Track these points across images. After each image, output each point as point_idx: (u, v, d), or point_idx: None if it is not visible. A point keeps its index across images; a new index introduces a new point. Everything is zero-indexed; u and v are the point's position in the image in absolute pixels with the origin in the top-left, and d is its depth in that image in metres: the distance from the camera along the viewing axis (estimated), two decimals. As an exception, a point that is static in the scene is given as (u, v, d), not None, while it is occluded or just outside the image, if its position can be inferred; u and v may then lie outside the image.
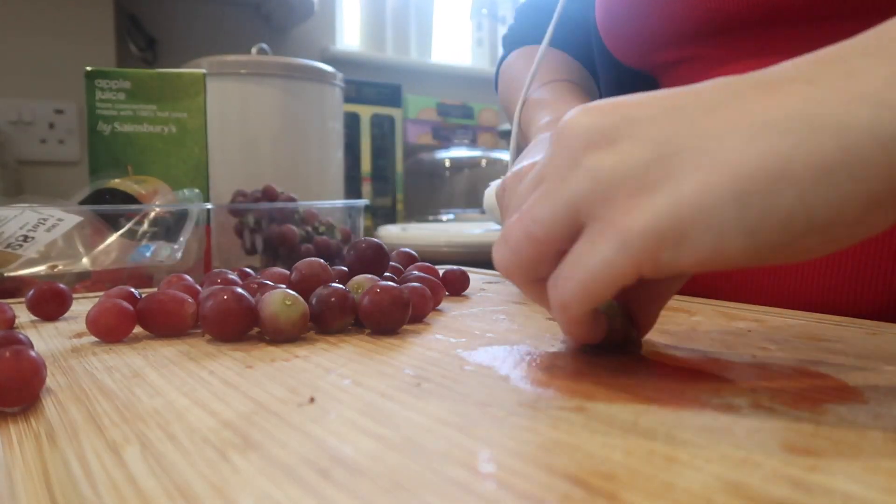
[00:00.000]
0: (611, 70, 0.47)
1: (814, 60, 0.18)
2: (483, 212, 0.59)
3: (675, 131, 0.19)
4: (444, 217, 1.43)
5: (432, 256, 0.94)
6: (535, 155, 0.37)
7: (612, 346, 0.25)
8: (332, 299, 0.29)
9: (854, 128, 0.16)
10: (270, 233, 0.68)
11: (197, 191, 0.63)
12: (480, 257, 0.94)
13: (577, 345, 0.26)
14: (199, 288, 0.34)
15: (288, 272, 0.36)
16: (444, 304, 0.37)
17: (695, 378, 0.21)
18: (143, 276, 0.52)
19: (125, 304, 0.29)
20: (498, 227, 0.56)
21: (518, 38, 0.61)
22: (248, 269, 0.40)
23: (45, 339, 0.30)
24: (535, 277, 0.22)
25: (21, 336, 0.23)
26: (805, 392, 0.19)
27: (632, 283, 0.19)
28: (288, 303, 0.27)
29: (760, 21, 0.35)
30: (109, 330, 0.28)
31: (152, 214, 0.54)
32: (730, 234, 0.17)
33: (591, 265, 0.19)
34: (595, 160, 0.20)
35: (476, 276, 0.52)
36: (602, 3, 0.44)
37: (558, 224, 0.20)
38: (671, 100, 0.20)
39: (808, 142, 0.17)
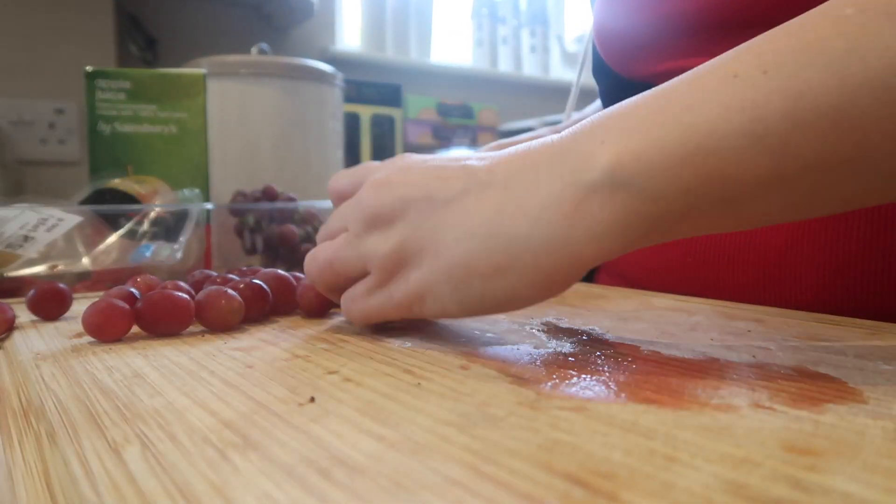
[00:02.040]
0: (607, 79, 0.47)
1: (517, 167, 0.24)
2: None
3: (423, 220, 0.26)
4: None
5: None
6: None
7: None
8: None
9: (517, 239, 0.23)
10: (270, 233, 0.68)
11: (197, 191, 0.63)
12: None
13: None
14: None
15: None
16: (444, 304, 0.37)
17: (695, 378, 0.21)
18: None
19: (121, 303, 0.29)
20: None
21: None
22: (231, 276, 0.40)
23: (45, 339, 0.30)
24: (332, 290, 0.31)
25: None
26: (805, 392, 0.19)
27: (402, 315, 0.27)
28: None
29: (748, 26, 0.35)
30: (103, 329, 0.28)
31: (152, 214, 0.54)
32: (448, 303, 0.25)
33: (371, 305, 0.28)
34: (376, 240, 0.27)
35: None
36: (597, 16, 0.45)
37: (351, 267, 0.29)
38: (429, 186, 0.26)
39: (488, 248, 0.24)
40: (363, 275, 0.29)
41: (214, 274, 0.39)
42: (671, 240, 0.24)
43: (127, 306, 0.29)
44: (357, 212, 0.28)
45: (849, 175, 0.20)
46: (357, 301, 0.29)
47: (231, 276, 0.37)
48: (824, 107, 0.19)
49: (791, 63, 0.20)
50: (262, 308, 0.33)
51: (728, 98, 0.20)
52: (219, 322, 0.30)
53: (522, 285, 0.24)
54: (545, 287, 0.24)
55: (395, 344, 0.27)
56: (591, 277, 0.54)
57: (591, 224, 0.22)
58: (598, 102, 0.57)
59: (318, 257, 0.30)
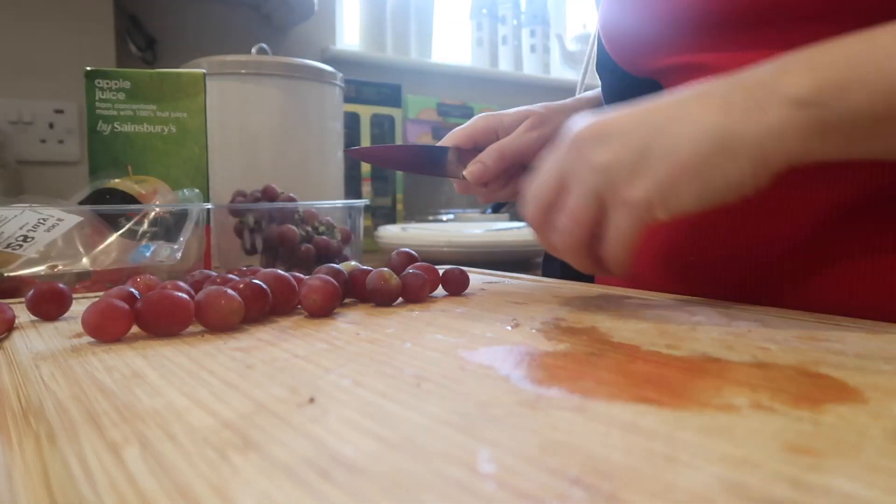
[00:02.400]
0: (612, 76, 0.47)
1: (730, 85, 0.29)
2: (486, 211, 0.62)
3: (650, 136, 0.30)
4: (444, 217, 1.42)
5: (432, 256, 0.94)
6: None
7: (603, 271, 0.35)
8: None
9: (745, 134, 0.28)
10: (270, 233, 0.68)
11: (197, 191, 0.63)
12: (480, 257, 0.94)
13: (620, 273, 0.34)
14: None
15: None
16: (444, 305, 0.37)
17: (695, 378, 0.21)
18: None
19: (121, 303, 0.29)
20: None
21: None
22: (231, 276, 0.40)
23: (44, 339, 0.30)
24: (589, 251, 0.33)
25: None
26: (805, 392, 0.19)
27: (640, 228, 0.30)
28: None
29: (754, 22, 0.35)
30: (102, 329, 0.28)
31: (152, 214, 0.54)
32: (688, 198, 0.29)
33: (618, 230, 0.31)
34: (597, 161, 0.30)
35: (476, 277, 0.52)
36: (603, 12, 0.45)
37: (591, 207, 0.31)
38: (642, 115, 0.30)
39: (725, 144, 0.28)
40: (601, 218, 0.31)
41: (214, 274, 0.39)
42: (863, 155, 0.28)
43: (126, 306, 0.29)
44: (573, 154, 0.32)
45: None
46: (613, 236, 0.31)
47: (231, 276, 0.37)
48: None
49: None
50: (262, 308, 0.33)
51: None
52: (219, 322, 0.30)
53: (749, 172, 0.28)
54: (754, 174, 0.28)
55: (394, 344, 0.27)
56: (591, 280, 0.54)
57: (797, 131, 0.27)
58: (590, 94, 0.58)
59: (561, 227, 0.33)
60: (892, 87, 0.26)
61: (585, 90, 0.60)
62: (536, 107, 0.56)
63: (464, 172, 0.51)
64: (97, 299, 0.29)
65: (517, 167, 0.53)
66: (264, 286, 0.33)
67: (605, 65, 0.47)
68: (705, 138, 0.28)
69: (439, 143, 0.54)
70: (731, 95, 0.29)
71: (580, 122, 0.32)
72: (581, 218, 0.31)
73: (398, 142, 1.54)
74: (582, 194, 0.31)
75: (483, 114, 0.55)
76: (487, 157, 0.51)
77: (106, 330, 0.28)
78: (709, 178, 0.28)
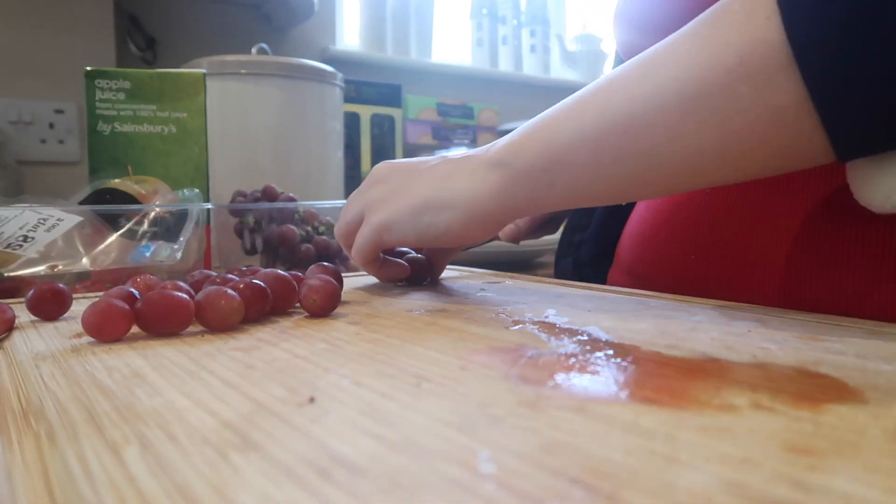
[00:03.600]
0: None
1: (453, 158, 0.40)
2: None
3: (403, 182, 0.40)
4: (444, 217, 1.42)
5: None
6: None
7: (416, 282, 0.48)
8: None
9: (454, 191, 0.37)
10: (270, 233, 0.68)
11: (197, 191, 0.63)
12: (480, 257, 0.94)
13: (385, 281, 0.48)
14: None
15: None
16: (443, 305, 0.37)
17: (695, 378, 0.21)
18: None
19: (120, 303, 0.29)
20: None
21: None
22: (230, 276, 0.40)
23: (45, 339, 0.30)
24: (349, 244, 0.44)
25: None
26: (805, 392, 0.19)
27: (378, 248, 0.42)
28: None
29: None
30: (102, 329, 0.28)
31: (152, 214, 0.54)
32: (406, 230, 0.39)
33: (361, 239, 0.42)
34: (372, 191, 0.42)
35: (476, 277, 0.52)
36: (618, 7, 0.45)
37: (354, 219, 0.43)
38: (411, 167, 0.41)
39: (438, 194, 0.38)
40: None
41: (214, 274, 0.39)
42: (551, 206, 0.35)
43: (126, 306, 0.29)
44: (368, 177, 0.44)
45: (653, 164, 0.29)
46: (357, 240, 0.42)
47: (231, 276, 0.37)
48: (620, 116, 0.30)
49: (603, 90, 0.32)
50: (262, 308, 0.33)
51: (584, 114, 0.32)
52: (219, 322, 0.30)
53: (454, 221, 0.37)
54: (468, 226, 0.37)
55: (394, 344, 0.27)
56: (602, 278, 0.54)
57: (491, 185, 0.35)
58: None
59: (341, 218, 0.45)
60: (551, 143, 0.32)
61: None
62: None
63: (499, 233, 0.60)
64: (97, 299, 0.29)
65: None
66: (264, 286, 0.33)
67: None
68: (426, 192, 0.38)
69: None
70: (455, 165, 0.38)
71: (380, 165, 0.44)
72: (350, 221, 0.43)
73: (398, 141, 1.54)
74: (354, 207, 0.43)
75: None
76: (521, 219, 0.58)
77: (105, 330, 0.28)
78: (420, 221, 0.38)
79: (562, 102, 0.34)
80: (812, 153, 0.26)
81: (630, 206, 0.54)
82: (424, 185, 0.38)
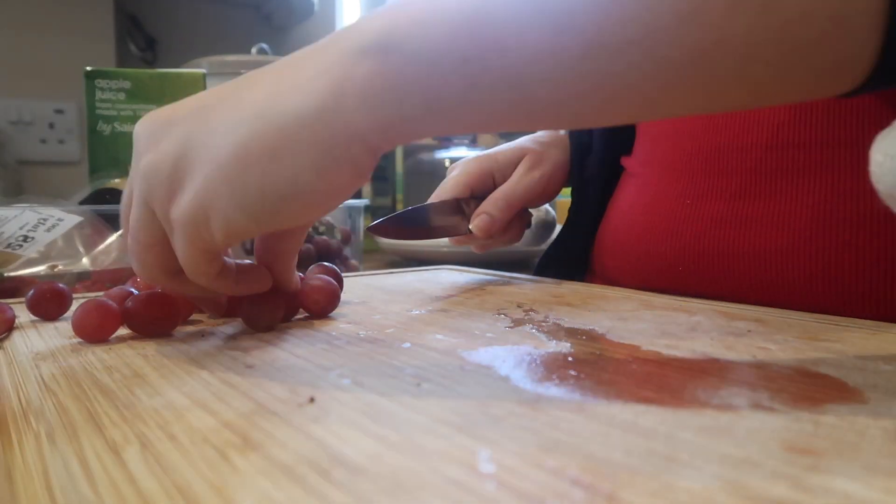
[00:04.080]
0: None
1: (291, 55, 0.23)
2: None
3: (193, 129, 0.23)
4: (444, 217, 1.42)
5: (432, 257, 0.94)
6: None
7: (262, 325, 0.31)
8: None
9: (287, 113, 0.21)
10: (270, 233, 0.68)
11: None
12: (479, 257, 0.94)
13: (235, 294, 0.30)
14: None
15: None
16: (443, 304, 0.37)
17: (695, 378, 0.21)
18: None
19: (110, 302, 0.29)
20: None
21: None
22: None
23: (45, 339, 0.30)
24: (173, 274, 0.26)
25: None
26: (805, 392, 0.19)
27: (213, 254, 0.25)
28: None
29: None
30: (92, 330, 0.28)
31: (152, 214, 0.54)
32: (230, 210, 0.22)
33: (181, 258, 0.25)
34: (144, 162, 0.24)
35: (476, 276, 0.52)
36: None
37: (147, 223, 0.25)
38: (202, 98, 0.24)
39: (260, 130, 0.21)
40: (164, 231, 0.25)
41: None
42: (460, 128, 0.22)
43: (115, 306, 0.29)
44: (132, 166, 0.25)
45: (640, 61, 0.19)
46: (186, 271, 0.26)
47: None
48: None
49: None
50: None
51: None
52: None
53: (302, 168, 0.21)
54: (327, 167, 0.21)
55: (394, 344, 0.27)
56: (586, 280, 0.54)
57: (362, 89, 0.20)
58: None
59: (129, 248, 0.27)
60: (475, 12, 0.19)
61: None
62: (527, 142, 0.53)
63: (470, 226, 0.47)
64: (86, 300, 0.29)
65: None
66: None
67: None
68: (240, 133, 0.21)
69: (431, 198, 0.49)
70: (289, 65, 0.22)
71: (141, 120, 0.26)
72: (141, 238, 0.25)
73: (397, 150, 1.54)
74: (135, 204, 0.25)
75: (472, 156, 0.52)
76: (493, 207, 0.47)
77: (92, 331, 0.28)
78: (246, 186, 0.21)
79: None
80: (848, 67, 0.19)
81: (598, 216, 0.52)
82: (231, 125, 0.22)
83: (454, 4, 0.20)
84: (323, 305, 0.34)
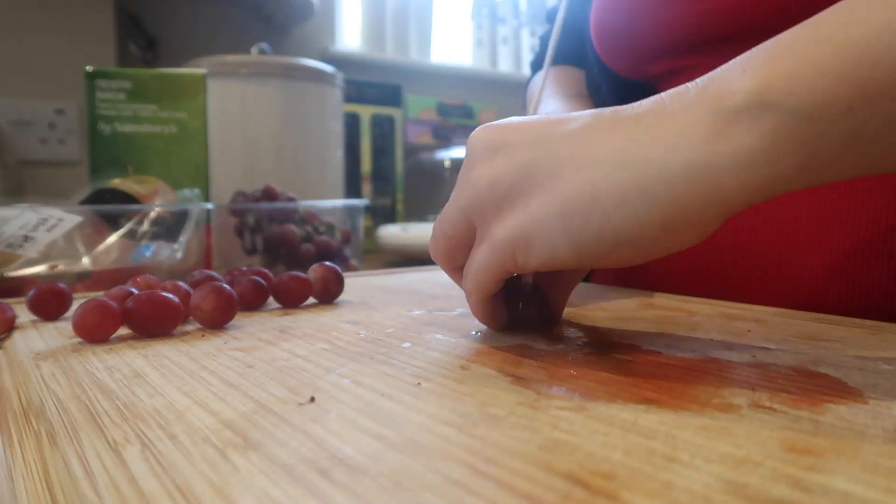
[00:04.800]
0: (609, 80, 0.47)
1: (650, 103, 0.22)
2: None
3: (539, 157, 0.23)
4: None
5: (432, 256, 0.94)
6: None
7: (526, 327, 0.30)
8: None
9: (648, 165, 0.21)
10: (270, 233, 0.68)
11: (197, 191, 0.63)
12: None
13: (490, 328, 0.30)
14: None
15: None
16: (444, 304, 0.37)
17: (695, 378, 0.21)
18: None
19: (110, 302, 0.29)
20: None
21: (540, 61, 0.62)
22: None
23: (45, 339, 0.30)
24: (454, 265, 0.29)
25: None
26: (805, 392, 0.19)
27: (504, 276, 0.25)
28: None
29: (751, 33, 0.35)
30: (91, 330, 0.28)
31: (152, 214, 0.54)
32: (558, 243, 0.22)
33: (476, 265, 0.25)
34: (477, 174, 0.25)
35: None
36: (596, 17, 0.45)
37: (458, 225, 0.26)
38: (546, 126, 0.24)
39: (615, 175, 0.21)
40: (474, 233, 0.26)
41: (215, 274, 0.39)
42: (830, 180, 0.20)
43: (115, 306, 0.29)
44: (465, 160, 0.26)
45: None
46: (469, 266, 0.26)
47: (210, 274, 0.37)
48: None
49: None
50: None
51: (888, 12, 0.18)
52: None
53: (651, 219, 0.20)
54: (677, 224, 0.20)
55: (394, 344, 0.27)
56: (587, 279, 0.54)
57: (735, 149, 0.19)
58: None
59: (434, 233, 0.28)
60: (859, 60, 0.18)
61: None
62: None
63: None
64: (86, 300, 0.29)
65: None
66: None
67: (603, 71, 0.47)
68: (592, 173, 0.21)
69: None
70: (645, 118, 0.22)
71: (481, 130, 0.26)
72: (447, 230, 0.27)
73: (398, 141, 1.54)
74: (454, 208, 0.26)
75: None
76: None
77: (94, 330, 0.28)
78: (586, 224, 0.21)
79: (828, 13, 0.20)
80: None
81: None
82: (582, 163, 0.22)
83: (836, 51, 0.19)
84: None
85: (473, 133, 0.26)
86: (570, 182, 0.22)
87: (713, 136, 0.20)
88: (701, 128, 0.20)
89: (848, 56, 0.18)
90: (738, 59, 0.21)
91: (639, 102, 0.23)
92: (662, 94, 0.22)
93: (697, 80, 0.22)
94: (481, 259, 0.25)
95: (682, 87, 0.22)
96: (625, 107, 0.23)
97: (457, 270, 0.29)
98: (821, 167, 0.19)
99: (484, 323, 0.29)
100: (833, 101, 0.18)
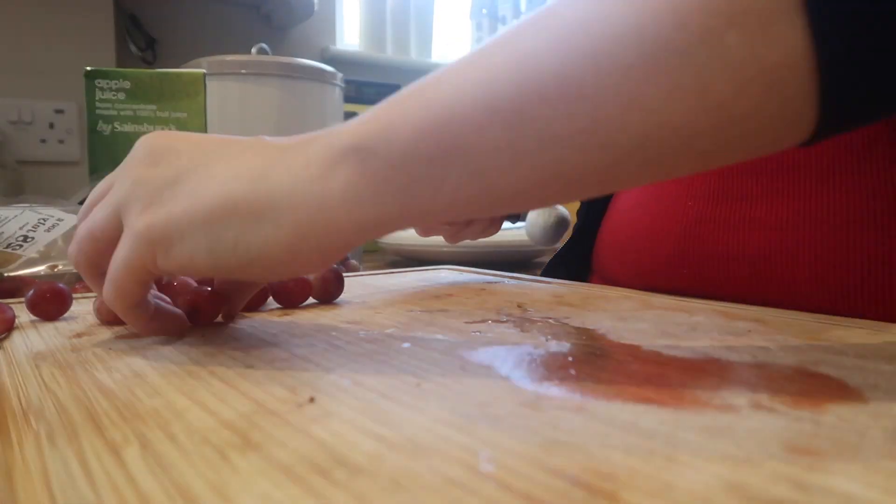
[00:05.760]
0: None
1: (303, 137, 0.25)
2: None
3: (194, 166, 0.25)
4: (444, 217, 1.42)
5: (432, 257, 0.94)
6: None
7: (198, 322, 0.31)
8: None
9: (279, 187, 0.23)
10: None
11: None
12: (479, 257, 0.94)
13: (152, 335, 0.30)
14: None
15: None
16: (443, 304, 0.37)
17: (695, 378, 0.21)
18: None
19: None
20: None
21: None
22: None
23: (45, 339, 0.30)
24: (98, 272, 0.27)
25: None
26: (805, 392, 0.19)
27: (147, 279, 0.25)
28: None
29: None
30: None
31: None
32: (198, 249, 0.24)
33: (117, 264, 0.25)
34: (136, 173, 0.26)
35: (476, 276, 0.52)
36: None
37: (109, 224, 0.26)
38: (211, 142, 0.26)
39: (253, 191, 0.23)
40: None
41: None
42: (431, 221, 0.24)
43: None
44: (126, 162, 0.27)
45: (591, 148, 0.20)
46: (111, 267, 0.26)
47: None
48: (549, 74, 0.19)
49: (524, 33, 0.21)
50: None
51: (467, 72, 0.21)
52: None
53: (276, 240, 0.23)
54: (300, 249, 0.23)
55: (394, 344, 0.27)
56: (586, 280, 0.54)
57: (344, 185, 0.22)
58: None
59: (77, 235, 0.28)
60: (441, 118, 0.21)
61: None
62: None
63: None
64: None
65: None
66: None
67: None
68: (231, 188, 0.23)
69: None
70: (280, 151, 0.24)
71: (151, 136, 0.27)
72: (96, 232, 0.26)
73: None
74: (105, 207, 0.26)
75: None
76: None
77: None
78: (221, 236, 0.23)
79: (434, 73, 0.23)
80: (792, 128, 0.20)
81: (601, 213, 0.53)
82: (228, 177, 0.24)
83: (419, 110, 0.21)
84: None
85: (143, 138, 0.27)
86: (214, 193, 0.24)
87: (327, 170, 0.23)
88: (320, 161, 0.23)
89: (429, 114, 0.21)
90: (366, 112, 0.24)
91: (304, 135, 0.25)
92: (302, 137, 0.25)
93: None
94: (122, 255, 0.25)
95: (325, 129, 0.25)
96: (290, 137, 0.25)
97: (101, 276, 0.27)
98: (419, 209, 0.22)
99: (143, 332, 0.29)
100: (416, 152, 0.21)
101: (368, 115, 0.23)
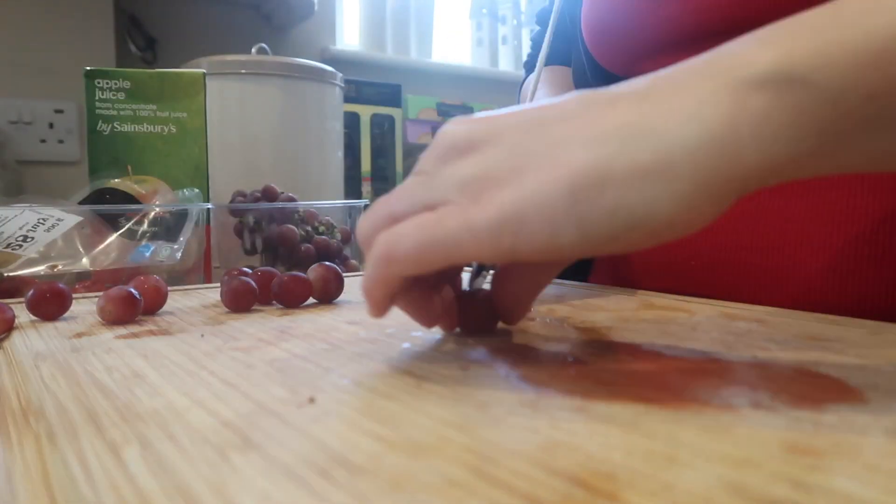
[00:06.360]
0: (601, 79, 0.47)
1: (652, 78, 0.21)
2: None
3: (529, 138, 0.21)
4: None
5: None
6: None
7: (471, 332, 0.29)
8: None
9: (667, 137, 0.19)
10: (270, 233, 0.68)
11: (197, 191, 0.63)
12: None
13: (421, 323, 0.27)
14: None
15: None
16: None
17: (695, 378, 0.21)
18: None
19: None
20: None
21: (533, 62, 0.63)
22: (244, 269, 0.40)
23: (44, 339, 0.30)
24: (393, 287, 0.23)
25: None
26: (805, 392, 0.19)
27: (463, 263, 0.22)
28: None
29: (751, 27, 0.35)
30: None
31: (152, 214, 0.54)
32: (562, 224, 0.19)
33: (434, 233, 0.21)
34: (453, 168, 0.22)
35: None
36: (588, 15, 0.45)
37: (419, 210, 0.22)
38: (534, 112, 0.22)
39: (630, 148, 0.19)
40: None
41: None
42: (839, 170, 0.20)
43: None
44: (431, 150, 0.23)
45: None
46: (415, 228, 0.21)
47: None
48: None
49: None
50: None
51: None
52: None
53: (669, 196, 0.19)
54: (697, 202, 0.19)
55: (394, 344, 0.27)
56: (586, 279, 0.54)
57: (758, 123, 0.18)
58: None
59: (375, 210, 0.24)
60: (885, 48, 0.18)
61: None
62: None
63: None
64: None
65: None
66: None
67: (594, 70, 0.47)
68: (606, 146, 0.19)
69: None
70: (655, 88, 0.21)
71: (452, 124, 0.23)
72: (399, 214, 0.22)
73: (398, 141, 1.54)
74: (409, 198, 0.23)
75: None
76: None
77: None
78: (596, 203, 0.19)
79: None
80: None
81: None
82: (586, 139, 0.20)
83: (859, 38, 0.18)
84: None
85: (445, 127, 0.23)
86: (576, 158, 0.19)
87: (735, 108, 0.19)
88: (721, 98, 0.19)
89: (872, 43, 0.18)
90: (748, 36, 0.20)
91: (626, 83, 0.21)
92: (656, 73, 0.21)
93: (694, 58, 0.21)
94: (446, 233, 0.21)
95: (680, 65, 0.21)
96: (610, 87, 0.21)
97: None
98: (837, 151, 0.19)
99: (374, 307, 0.24)
100: (856, 85, 0.18)
101: (779, 38, 0.19)
